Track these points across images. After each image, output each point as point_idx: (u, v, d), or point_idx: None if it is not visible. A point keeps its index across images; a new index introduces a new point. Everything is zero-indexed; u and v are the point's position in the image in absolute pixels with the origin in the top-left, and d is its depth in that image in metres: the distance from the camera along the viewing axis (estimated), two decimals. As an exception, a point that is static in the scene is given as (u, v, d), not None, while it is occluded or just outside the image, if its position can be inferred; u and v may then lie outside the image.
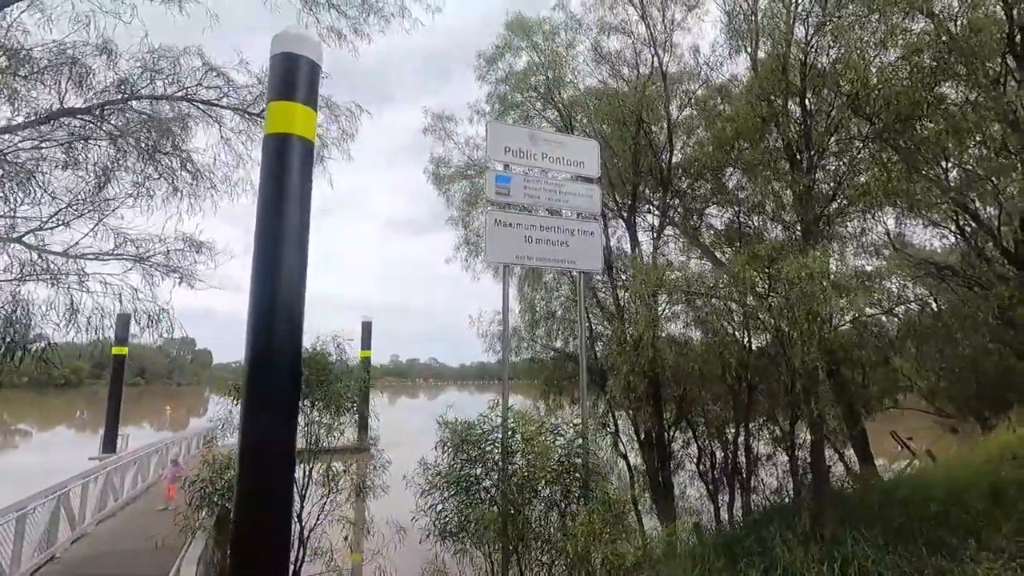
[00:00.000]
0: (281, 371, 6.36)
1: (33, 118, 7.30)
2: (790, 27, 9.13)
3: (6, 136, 6.83)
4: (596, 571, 4.90)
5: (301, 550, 7.16)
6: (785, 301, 6.57)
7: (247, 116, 9.25)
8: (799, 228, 9.17)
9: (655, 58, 11.72)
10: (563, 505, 5.72)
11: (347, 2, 9.87)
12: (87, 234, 7.14)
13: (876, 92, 8.60)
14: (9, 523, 7.87)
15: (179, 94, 8.59)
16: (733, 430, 13.11)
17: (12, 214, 6.56)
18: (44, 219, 6.85)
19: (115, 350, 29.01)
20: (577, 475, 5.94)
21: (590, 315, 12.87)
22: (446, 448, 5.62)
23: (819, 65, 9.43)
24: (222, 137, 9.23)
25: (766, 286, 7.14)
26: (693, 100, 12.11)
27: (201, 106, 8.83)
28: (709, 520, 13.51)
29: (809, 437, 10.28)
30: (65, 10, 7.50)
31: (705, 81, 11.96)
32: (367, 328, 32.45)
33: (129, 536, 10.57)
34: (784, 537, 8.49)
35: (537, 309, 12.24)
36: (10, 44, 7.71)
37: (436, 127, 12.84)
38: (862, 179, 9.43)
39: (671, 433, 12.68)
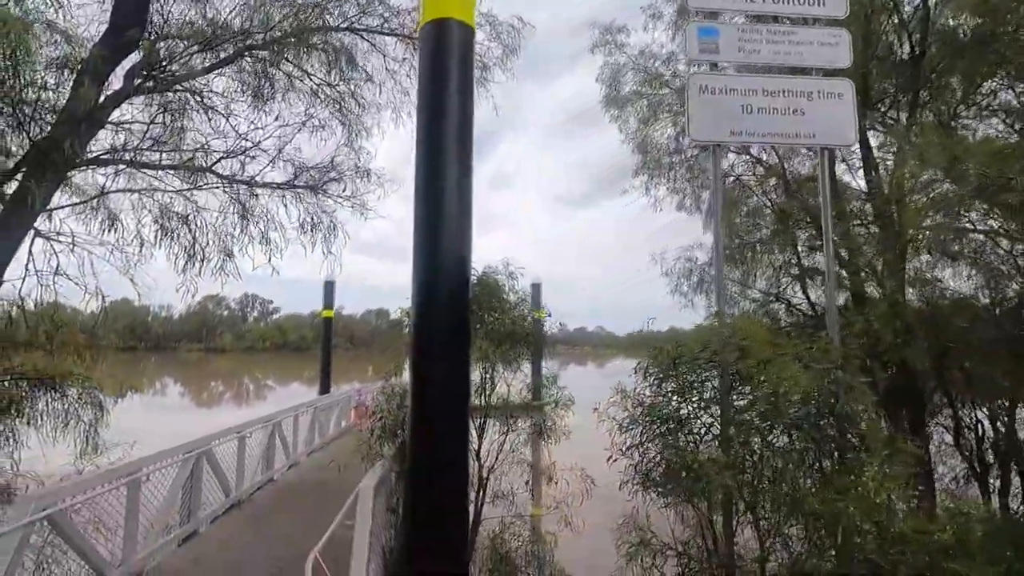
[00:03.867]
0: (449, 283, 5.67)
1: (220, 59, 7.61)
2: None
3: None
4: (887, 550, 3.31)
5: (481, 492, 6.61)
6: None
7: (410, 42, 8.84)
8: None
9: None
10: (813, 461, 4.15)
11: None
12: (268, 164, 7.28)
13: None
14: (231, 442, 8.73)
15: (343, 25, 8.43)
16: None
17: (206, 146, 6.90)
18: (228, 150, 7.11)
19: (324, 314, 33.83)
20: (830, 421, 4.29)
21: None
22: (649, 374, 4.39)
23: None
24: (387, 68, 8.97)
25: None
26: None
27: (365, 35, 8.59)
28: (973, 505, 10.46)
29: None
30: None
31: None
32: (537, 290, 32.63)
33: (335, 466, 11.50)
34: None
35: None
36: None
37: (606, 41, 11.28)
38: None
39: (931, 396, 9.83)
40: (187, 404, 44.26)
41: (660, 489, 4.51)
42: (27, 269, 5.64)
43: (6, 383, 7.00)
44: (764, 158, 10.50)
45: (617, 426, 4.48)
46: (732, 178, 11.38)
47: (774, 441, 4.14)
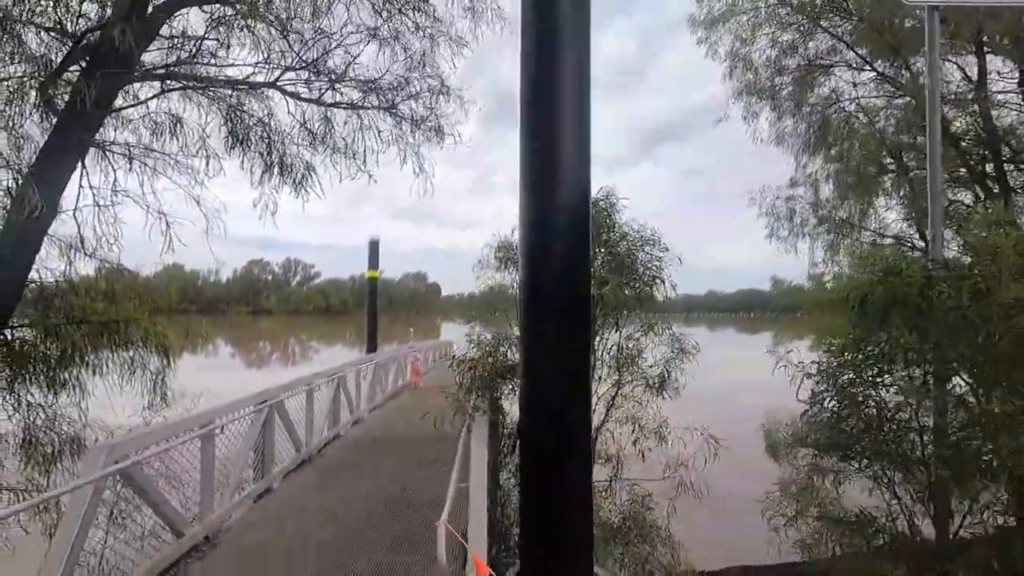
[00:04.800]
0: (568, 205, 4.53)
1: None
2: None
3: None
4: None
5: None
6: None
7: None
8: None
9: None
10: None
11: None
12: (333, 82, 6.34)
13: None
14: (299, 395, 8.21)
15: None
16: None
17: (267, 61, 6.03)
18: (291, 64, 6.20)
19: (369, 274, 33.61)
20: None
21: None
22: (855, 304, 3.37)
23: None
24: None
25: None
26: None
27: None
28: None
29: None
30: None
31: None
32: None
33: (398, 423, 11.07)
34: None
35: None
36: None
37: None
38: None
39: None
40: (237, 364, 45.48)
41: (842, 453, 3.57)
42: (80, 188, 4.97)
43: (67, 328, 6.53)
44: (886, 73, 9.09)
45: (804, 373, 3.52)
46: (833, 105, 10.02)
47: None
